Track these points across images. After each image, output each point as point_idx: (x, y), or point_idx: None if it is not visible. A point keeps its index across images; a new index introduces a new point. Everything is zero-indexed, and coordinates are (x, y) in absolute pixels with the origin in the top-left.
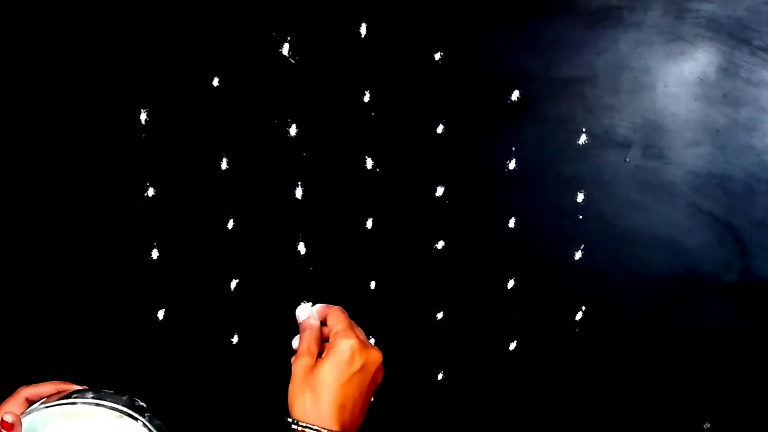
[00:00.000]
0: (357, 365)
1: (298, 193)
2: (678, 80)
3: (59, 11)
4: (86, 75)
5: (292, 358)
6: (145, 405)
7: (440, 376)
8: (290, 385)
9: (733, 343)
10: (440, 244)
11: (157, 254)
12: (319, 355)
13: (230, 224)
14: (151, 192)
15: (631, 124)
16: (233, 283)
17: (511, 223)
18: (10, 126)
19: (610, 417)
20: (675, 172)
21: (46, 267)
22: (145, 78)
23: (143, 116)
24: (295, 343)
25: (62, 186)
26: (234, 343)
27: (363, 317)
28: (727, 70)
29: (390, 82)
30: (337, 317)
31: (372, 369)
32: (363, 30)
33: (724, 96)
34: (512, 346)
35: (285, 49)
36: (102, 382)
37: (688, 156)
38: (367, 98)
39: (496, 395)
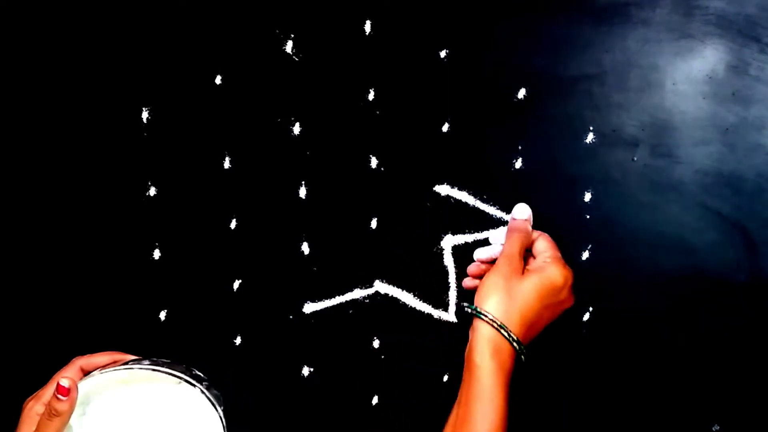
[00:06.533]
0: (562, 296)
1: (302, 192)
2: (687, 78)
3: (59, 11)
4: (87, 74)
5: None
6: (202, 374)
7: (446, 378)
8: (488, 276)
9: (742, 344)
10: (444, 244)
11: (159, 254)
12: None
13: (233, 224)
14: (152, 191)
15: (639, 122)
16: (236, 284)
17: None
18: (10, 126)
19: (618, 418)
20: (684, 171)
21: (45, 267)
22: (146, 76)
23: (145, 115)
24: (497, 239)
25: (63, 185)
26: (237, 344)
27: (366, 317)
28: (737, 68)
29: (395, 80)
30: (551, 244)
31: (564, 307)
32: (367, 27)
33: (734, 94)
34: None
35: (288, 47)
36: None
37: (697, 155)
38: (371, 96)
39: None
